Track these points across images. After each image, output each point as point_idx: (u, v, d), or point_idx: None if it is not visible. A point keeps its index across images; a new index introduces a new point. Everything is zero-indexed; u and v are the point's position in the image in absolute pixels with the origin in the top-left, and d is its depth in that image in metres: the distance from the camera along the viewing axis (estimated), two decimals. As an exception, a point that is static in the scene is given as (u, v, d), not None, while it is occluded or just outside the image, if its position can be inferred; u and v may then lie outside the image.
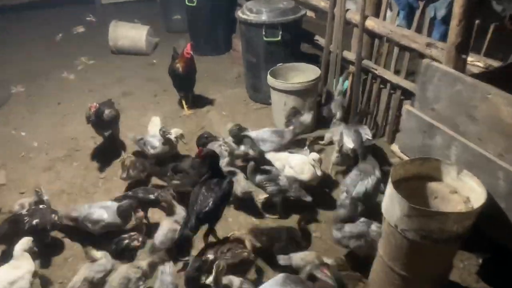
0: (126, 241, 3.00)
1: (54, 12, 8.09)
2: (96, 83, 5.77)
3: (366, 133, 3.67)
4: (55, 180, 3.88)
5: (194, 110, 5.00)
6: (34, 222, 2.93)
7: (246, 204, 3.48)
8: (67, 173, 3.98)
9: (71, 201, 3.58)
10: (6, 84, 5.61)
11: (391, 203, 2.39)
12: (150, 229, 3.19)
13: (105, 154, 4.19)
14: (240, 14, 4.76)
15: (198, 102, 5.15)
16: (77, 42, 6.82)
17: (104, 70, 6.12)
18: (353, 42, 4.42)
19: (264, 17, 4.59)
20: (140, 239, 3.04)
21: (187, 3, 6.24)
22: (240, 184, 3.33)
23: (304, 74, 4.55)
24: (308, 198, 3.25)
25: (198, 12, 6.28)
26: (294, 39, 4.82)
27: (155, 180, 3.75)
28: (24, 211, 3.00)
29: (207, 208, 2.72)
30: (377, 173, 3.21)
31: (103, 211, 3.06)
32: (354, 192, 3.09)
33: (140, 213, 3.15)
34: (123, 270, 2.69)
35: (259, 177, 3.26)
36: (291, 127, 3.95)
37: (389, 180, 2.43)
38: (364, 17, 3.99)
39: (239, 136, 3.76)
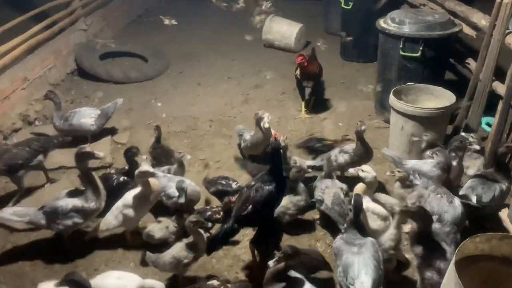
0: (209, 212, 3.14)
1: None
2: (237, 72, 6.09)
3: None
4: (163, 151, 4.27)
5: (312, 115, 4.85)
6: (122, 179, 3.30)
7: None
8: (175, 147, 4.33)
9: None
10: (167, 59, 6.38)
11: (448, 283, 1.88)
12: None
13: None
14: (381, 22, 4.35)
15: (319, 107, 4.98)
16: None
17: (249, 61, 6.39)
18: (509, 72, 3.58)
19: (405, 29, 4.10)
20: (222, 213, 3.09)
21: (343, 5, 6.06)
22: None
23: (437, 99, 3.91)
24: None
25: (351, 16, 6.04)
26: (438, 58, 4.19)
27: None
28: (113, 171, 3.39)
29: (245, 212, 2.58)
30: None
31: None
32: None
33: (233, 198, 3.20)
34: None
35: None
36: (432, 161, 3.21)
37: (455, 253, 1.91)
38: (525, 44, 3.18)
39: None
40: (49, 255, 3.09)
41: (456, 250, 1.91)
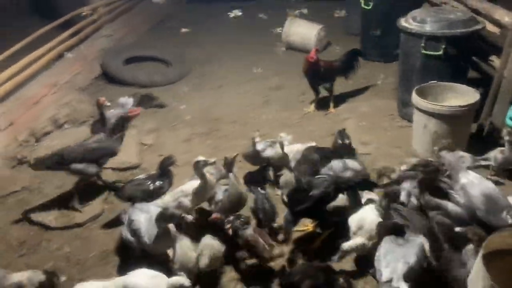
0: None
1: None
2: (257, 74, 6.14)
3: None
4: (187, 152, 4.36)
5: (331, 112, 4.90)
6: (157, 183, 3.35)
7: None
8: (199, 148, 4.43)
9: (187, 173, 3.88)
10: (189, 64, 6.50)
11: (476, 276, 1.90)
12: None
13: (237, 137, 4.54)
14: (402, 21, 4.36)
15: (340, 106, 5.02)
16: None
17: (270, 64, 6.42)
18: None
19: (427, 28, 4.09)
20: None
21: (362, 5, 6.07)
22: None
23: (462, 97, 3.90)
24: None
25: (371, 16, 6.03)
26: (461, 56, 4.17)
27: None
28: (142, 176, 3.47)
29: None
30: None
31: None
32: None
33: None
34: None
35: None
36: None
37: (483, 246, 1.92)
38: (550, 40, 3.15)
39: None
40: (83, 252, 3.22)
41: (483, 244, 1.92)
